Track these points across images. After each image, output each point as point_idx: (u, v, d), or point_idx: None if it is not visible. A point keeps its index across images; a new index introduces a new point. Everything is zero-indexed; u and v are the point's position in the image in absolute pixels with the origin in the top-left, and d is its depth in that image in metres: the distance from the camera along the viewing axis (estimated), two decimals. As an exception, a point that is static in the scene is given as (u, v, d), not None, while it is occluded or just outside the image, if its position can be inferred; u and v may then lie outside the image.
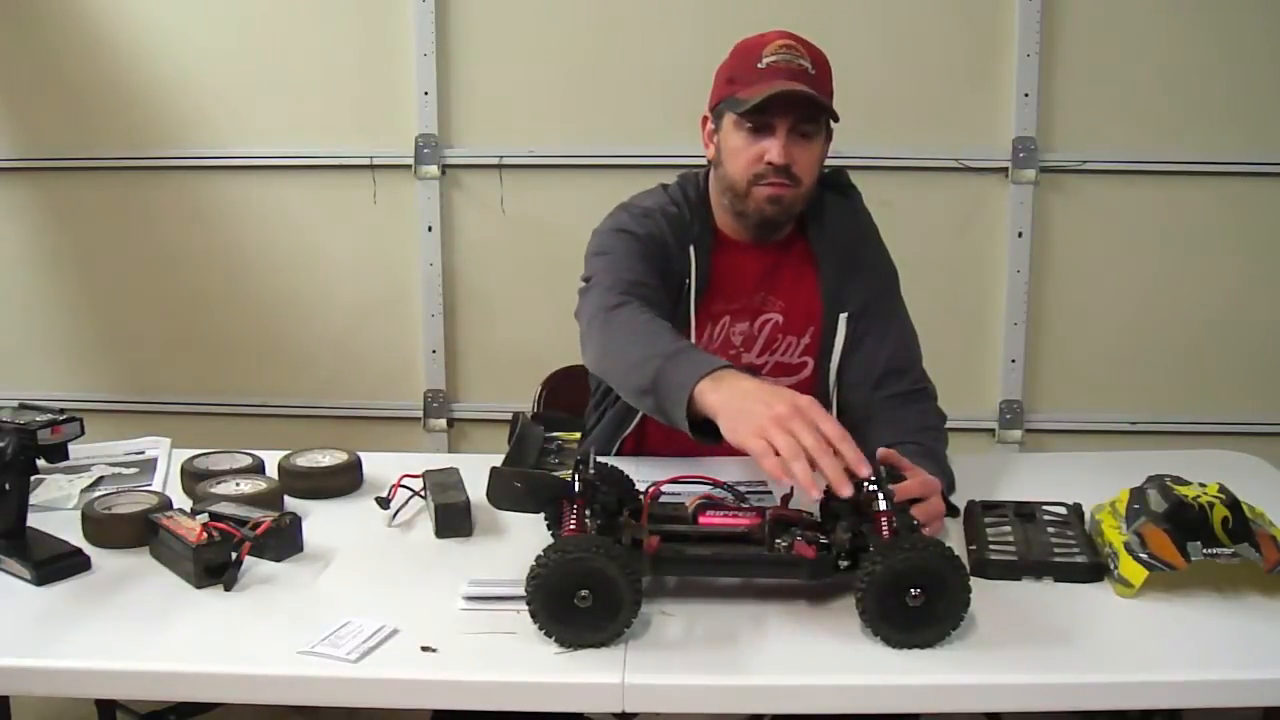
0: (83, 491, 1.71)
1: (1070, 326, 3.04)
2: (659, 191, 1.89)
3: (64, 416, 1.47)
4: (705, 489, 1.46)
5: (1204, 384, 3.03)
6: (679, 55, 2.87)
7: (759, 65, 1.72)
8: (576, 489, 1.37)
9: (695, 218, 1.84)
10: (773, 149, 1.72)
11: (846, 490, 1.27)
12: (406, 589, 1.42)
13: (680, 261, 1.81)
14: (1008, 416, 3.07)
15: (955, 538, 1.52)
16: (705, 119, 1.84)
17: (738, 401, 1.35)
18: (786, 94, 1.68)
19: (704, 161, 1.88)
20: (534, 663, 1.23)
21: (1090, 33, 2.88)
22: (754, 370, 1.87)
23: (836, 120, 1.76)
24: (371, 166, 3.04)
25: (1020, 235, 2.97)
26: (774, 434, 1.29)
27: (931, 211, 2.97)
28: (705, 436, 1.42)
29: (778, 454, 1.28)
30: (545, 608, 1.24)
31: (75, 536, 1.52)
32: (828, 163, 1.83)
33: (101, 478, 1.78)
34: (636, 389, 1.53)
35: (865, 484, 1.32)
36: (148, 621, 1.33)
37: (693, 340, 1.79)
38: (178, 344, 3.20)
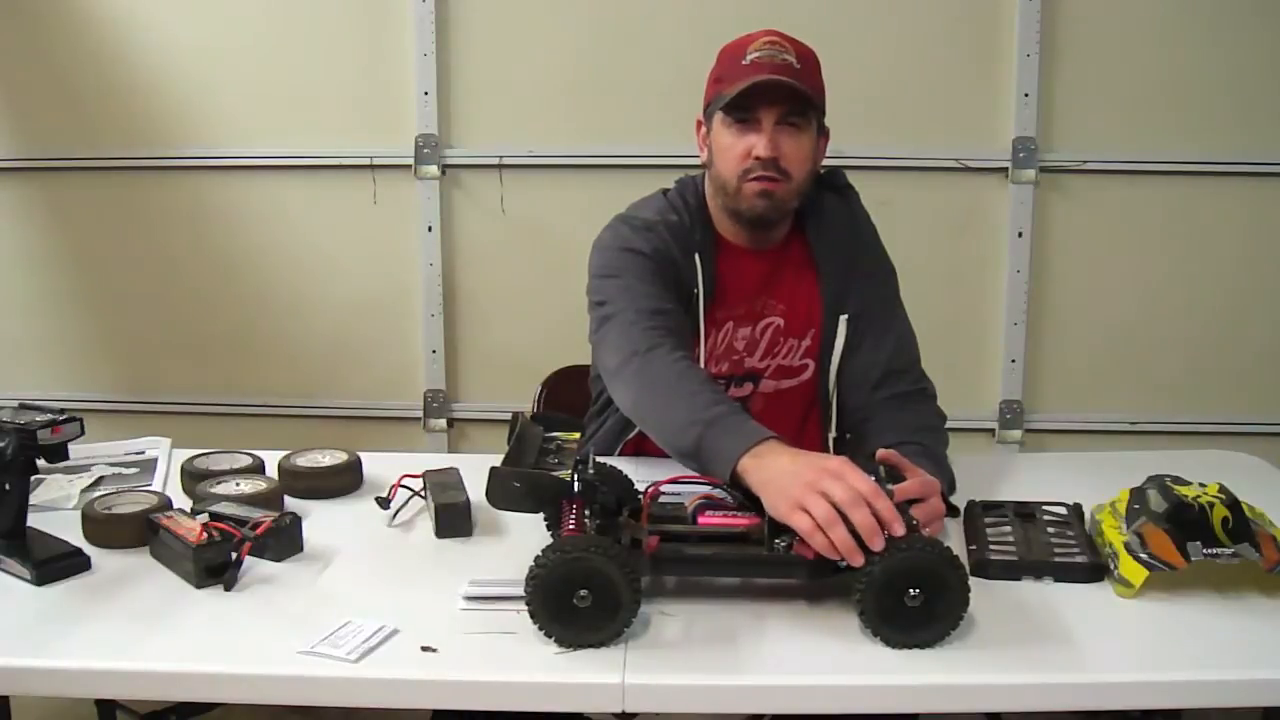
0: (83, 491, 1.72)
1: (1070, 326, 3.04)
2: (658, 198, 1.87)
3: (64, 416, 1.47)
4: (705, 489, 1.46)
5: (1204, 384, 3.03)
6: (679, 55, 2.87)
7: (743, 62, 1.72)
8: (576, 489, 1.37)
9: (696, 225, 1.82)
10: (759, 143, 1.71)
11: (878, 543, 1.26)
12: (406, 589, 1.42)
13: (687, 271, 1.79)
14: (1008, 416, 3.07)
15: (955, 538, 1.52)
16: (699, 123, 1.83)
17: (776, 481, 1.35)
18: (767, 84, 1.68)
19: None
20: (534, 663, 1.23)
21: (1090, 33, 2.88)
22: (756, 374, 1.88)
23: (821, 112, 1.75)
24: (371, 166, 3.04)
25: (1020, 235, 2.96)
26: (809, 502, 1.29)
27: (931, 211, 2.97)
28: (750, 497, 1.42)
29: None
30: (545, 608, 1.25)
31: (75, 536, 1.52)
32: (826, 162, 1.83)
33: (101, 478, 1.78)
34: (677, 451, 1.54)
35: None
36: (148, 621, 1.33)
37: (700, 349, 1.79)
38: (178, 344, 3.20)
